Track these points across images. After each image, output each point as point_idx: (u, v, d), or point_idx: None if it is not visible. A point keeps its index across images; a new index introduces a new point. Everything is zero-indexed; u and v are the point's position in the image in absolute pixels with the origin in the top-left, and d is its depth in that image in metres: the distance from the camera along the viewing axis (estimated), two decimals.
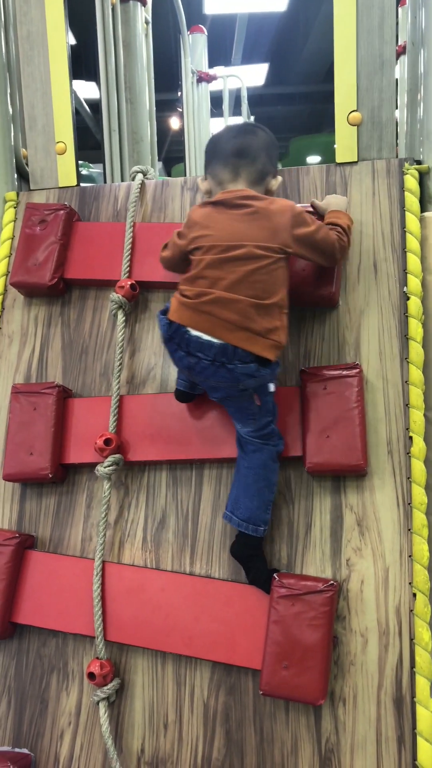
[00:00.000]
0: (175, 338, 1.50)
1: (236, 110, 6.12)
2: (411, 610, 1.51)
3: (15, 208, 2.08)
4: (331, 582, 1.48)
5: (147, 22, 3.56)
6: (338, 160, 1.86)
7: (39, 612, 1.69)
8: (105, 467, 1.69)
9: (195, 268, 1.53)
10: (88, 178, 6.49)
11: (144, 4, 3.44)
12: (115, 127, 3.09)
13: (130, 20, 3.32)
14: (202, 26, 4.83)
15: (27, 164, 2.16)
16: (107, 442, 1.70)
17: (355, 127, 1.85)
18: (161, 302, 1.90)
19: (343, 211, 1.70)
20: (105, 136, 3.05)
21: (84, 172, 6.58)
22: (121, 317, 1.85)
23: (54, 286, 1.91)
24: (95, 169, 6.55)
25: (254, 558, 1.57)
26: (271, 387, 1.55)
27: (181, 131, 4.81)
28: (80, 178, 2.09)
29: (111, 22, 2.99)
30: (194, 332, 1.46)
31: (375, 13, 1.81)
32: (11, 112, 2.14)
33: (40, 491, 1.83)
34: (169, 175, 9.30)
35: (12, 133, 2.14)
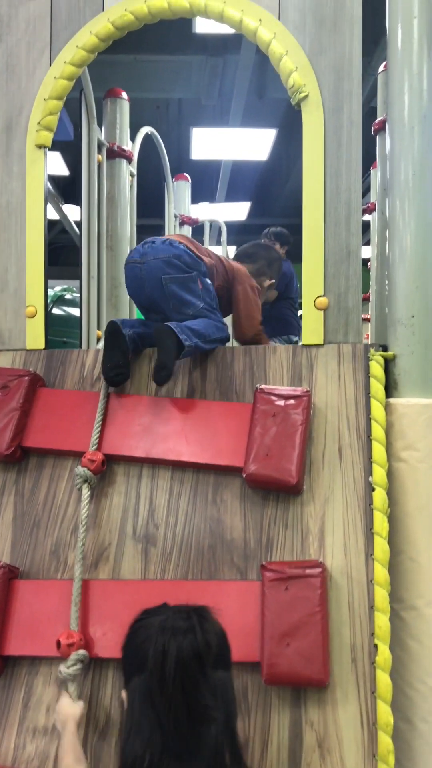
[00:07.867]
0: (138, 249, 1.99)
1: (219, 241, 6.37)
2: None
3: None
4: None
5: (132, 175, 3.74)
6: (304, 342, 1.87)
7: None
8: (68, 667, 1.52)
9: None
10: (72, 302, 6.59)
11: (129, 160, 3.62)
12: (94, 274, 3.16)
13: (115, 176, 3.48)
14: (186, 174, 5.10)
15: None
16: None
17: (322, 311, 1.88)
18: (123, 475, 1.83)
19: None
20: (83, 283, 3.11)
21: (68, 296, 6.70)
22: (86, 492, 1.75)
23: (11, 455, 1.84)
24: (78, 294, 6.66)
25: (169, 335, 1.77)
26: (208, 281, 2.01)
27: None
28: (48, 341, 2.08)
29: (96, 179, 3.13)
30: None
31: (342, 208, 1.88)
32: None
33: None
34: None
35: None
